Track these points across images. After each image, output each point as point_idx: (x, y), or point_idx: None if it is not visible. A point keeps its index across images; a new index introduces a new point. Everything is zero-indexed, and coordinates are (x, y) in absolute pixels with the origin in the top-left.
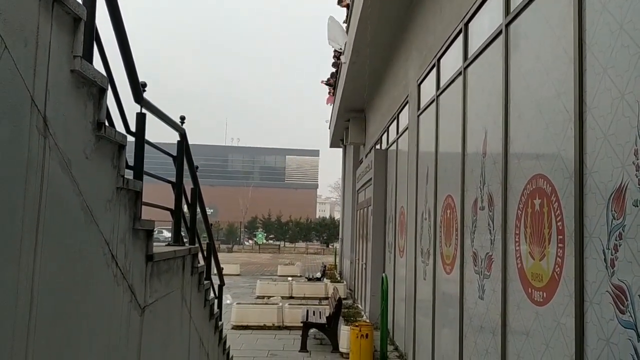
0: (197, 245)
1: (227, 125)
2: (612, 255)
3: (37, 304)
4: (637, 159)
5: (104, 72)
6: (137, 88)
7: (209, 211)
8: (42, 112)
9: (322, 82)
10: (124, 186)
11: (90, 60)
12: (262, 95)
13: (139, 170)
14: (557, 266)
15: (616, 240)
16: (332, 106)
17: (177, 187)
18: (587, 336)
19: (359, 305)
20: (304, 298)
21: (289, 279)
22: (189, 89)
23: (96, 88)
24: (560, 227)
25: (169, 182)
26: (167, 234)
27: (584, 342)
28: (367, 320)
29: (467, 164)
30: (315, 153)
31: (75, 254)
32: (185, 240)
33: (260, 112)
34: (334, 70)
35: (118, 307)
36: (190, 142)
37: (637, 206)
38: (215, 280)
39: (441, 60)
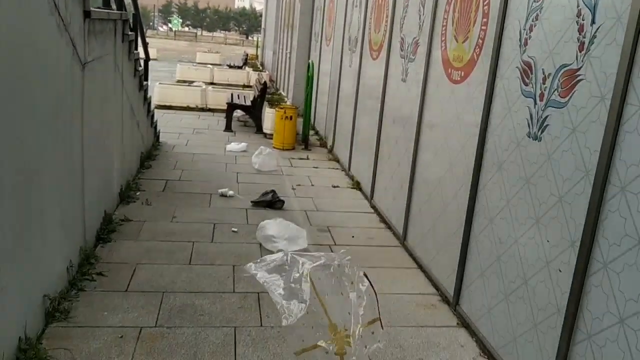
0: (125, 11)
1: None
2: (526, 35)
3: None
4: None
5: None
6: None
7: None
8: None
9: None
10: None
11: None
12: None
13: None
14: (477, 47)
15: (533, 21)
16: None
17: None
18: (493, 107)
19: (283, 93)
20: (226, 85)
21: (210, 65)
22: None
23: None
24: (486, 11)
25: None
26: None
27: (490, 113)
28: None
29: None
30: None
31: None
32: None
33: None
34: None
35: (62, 59)
36: None
37: None
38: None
39: None
